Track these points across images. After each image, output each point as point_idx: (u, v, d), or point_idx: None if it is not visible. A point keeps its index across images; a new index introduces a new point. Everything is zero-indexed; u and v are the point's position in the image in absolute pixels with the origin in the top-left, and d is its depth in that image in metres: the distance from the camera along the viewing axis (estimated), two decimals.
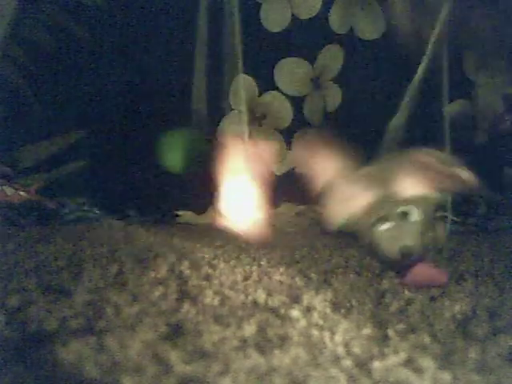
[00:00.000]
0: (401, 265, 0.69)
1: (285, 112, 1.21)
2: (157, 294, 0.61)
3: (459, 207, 1.17)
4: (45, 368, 0.43)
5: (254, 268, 0.74)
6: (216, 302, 0.59)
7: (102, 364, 0.43)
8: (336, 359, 0.45)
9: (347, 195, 0.72)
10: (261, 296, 0.61)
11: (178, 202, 1.16)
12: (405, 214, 0.69)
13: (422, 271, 0.68)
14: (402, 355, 0.46)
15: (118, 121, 1.17)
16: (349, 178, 0.73)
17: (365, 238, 0.73)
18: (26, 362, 0.43)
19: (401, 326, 0.53)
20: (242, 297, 0.61)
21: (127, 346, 0.46)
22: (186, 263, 0.75)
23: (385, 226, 0.70)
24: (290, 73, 1.20)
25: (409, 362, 0.45)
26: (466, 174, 0.69)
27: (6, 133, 1.12)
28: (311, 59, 1.20)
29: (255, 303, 0.59)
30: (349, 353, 0.47)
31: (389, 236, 0.69)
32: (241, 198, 0.76)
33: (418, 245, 0.69)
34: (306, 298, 0.61)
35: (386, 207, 0.70)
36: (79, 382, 0.41)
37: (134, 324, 0.51)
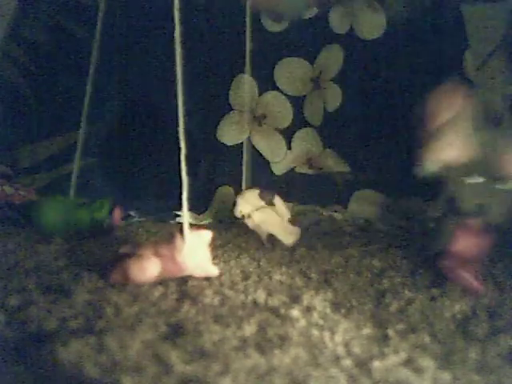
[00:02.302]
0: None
1: (285, 112, 1.20)
2: (157, 294, 0.61)
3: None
4: (45, 368, 0.43)
5: (254, 268, 0.74)
6: (216, 301, 0.59)
7: (102, 364, 0.43)
8: (336, 359, 0.45)
9: (456, 143, 0.68)
10: (261, 296, 0.61)
11: (178, 201, 1.16)
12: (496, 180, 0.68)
13: (464, 273, 0.67)
14: (402, 355, 0.47)
15: (118, 121, 1.16)
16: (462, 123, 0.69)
17: (448, 189, 0.71)
18: (26, 362, 0.43)
19: (401, 326, 0.53)
20: (241, 297, 0.61)
21: (127, 346, 0.46)
22: None
23: (473, 180, 0.68)
24: (290, 73, 1.20)
25: (409, 362, 0.45)
26: None
27: (5, 133, 1.12)
28: (311, 59, 1.20)
29: (255, 303, 0.59)
30: (349, 353, 0.47)
31: (471, 190, 0.68)
32: None
33: (494, 212, 0.68)
34: (305, 298, 0.61)
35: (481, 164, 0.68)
36: (79, 382, 0.41)
37: (134, 324, 0.51)
